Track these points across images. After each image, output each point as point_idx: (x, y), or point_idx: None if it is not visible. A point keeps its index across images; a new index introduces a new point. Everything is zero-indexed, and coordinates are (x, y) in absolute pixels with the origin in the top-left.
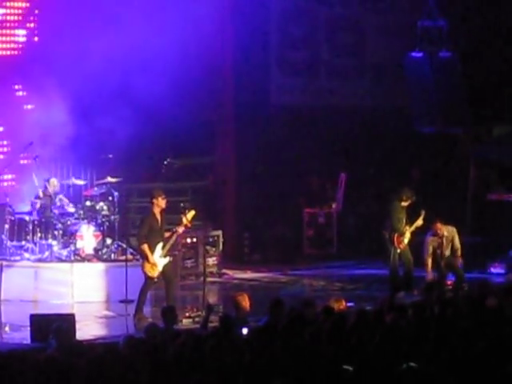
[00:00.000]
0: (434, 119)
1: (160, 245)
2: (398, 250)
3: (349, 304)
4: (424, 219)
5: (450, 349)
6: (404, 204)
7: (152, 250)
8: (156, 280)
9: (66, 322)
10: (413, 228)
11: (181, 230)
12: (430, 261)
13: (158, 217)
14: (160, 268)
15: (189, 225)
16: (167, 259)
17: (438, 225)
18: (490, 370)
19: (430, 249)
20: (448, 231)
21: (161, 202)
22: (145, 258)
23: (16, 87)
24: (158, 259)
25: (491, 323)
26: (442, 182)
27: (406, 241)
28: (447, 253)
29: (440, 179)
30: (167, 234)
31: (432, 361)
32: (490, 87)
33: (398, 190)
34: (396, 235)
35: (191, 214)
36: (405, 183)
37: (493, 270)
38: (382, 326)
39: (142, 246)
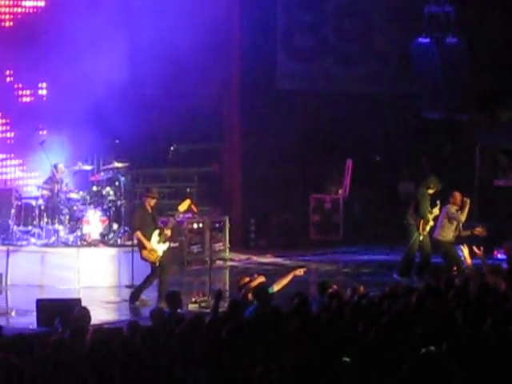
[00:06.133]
0: (441, 105)
1: (156, 232)
2: (421, 237)
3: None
4: (439, 209)
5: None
6: (430, 191)
7: (148, 237)
8: (158, 264)
9: (85, 309)
10: (432, 217)
11: (177, 217)
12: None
13: (149, 208)
14: (160, 253)
15: (181, 213)
16: (166, 245)
17: (457, 194)
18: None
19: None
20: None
21: (151, 202)
22: (141, 244)
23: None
24: (157, 245)
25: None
26: (449, 169)
27: (427, 228)
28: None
29: (446, 165)
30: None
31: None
32: (497, 73)
33: (426, 178)
34: (422, 222)
35: (186, 203)
36: (415, 170)
37: (499, 256)
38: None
39: (136, 232)
